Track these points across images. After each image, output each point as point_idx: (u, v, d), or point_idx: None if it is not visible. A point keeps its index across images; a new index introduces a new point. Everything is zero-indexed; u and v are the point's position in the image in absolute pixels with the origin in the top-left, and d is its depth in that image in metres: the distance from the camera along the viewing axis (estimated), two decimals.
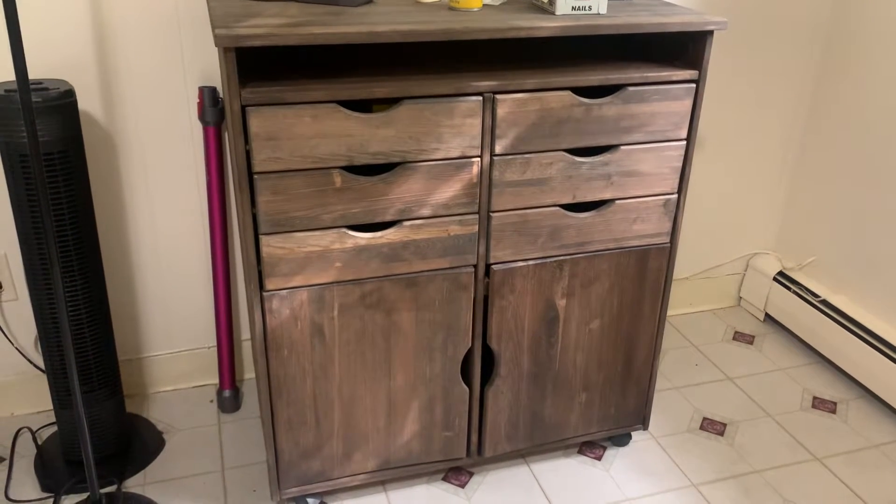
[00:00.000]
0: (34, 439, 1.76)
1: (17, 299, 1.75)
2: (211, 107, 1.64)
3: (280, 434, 1.46)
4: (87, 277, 1.52)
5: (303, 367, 1.41)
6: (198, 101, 1.66)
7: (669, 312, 2.34)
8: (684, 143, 1.46)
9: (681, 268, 2.28)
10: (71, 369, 1.33)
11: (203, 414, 1.87)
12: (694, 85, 1.42)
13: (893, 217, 1.93)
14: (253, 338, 1.38)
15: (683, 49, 1.44)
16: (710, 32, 1.38)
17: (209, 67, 1.65)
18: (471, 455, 1.63)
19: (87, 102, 1.61)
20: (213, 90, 1.64)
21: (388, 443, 1.55)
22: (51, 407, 1.86)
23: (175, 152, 1.71)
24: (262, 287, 1.33)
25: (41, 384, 1.84)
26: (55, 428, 1.79)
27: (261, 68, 1.32)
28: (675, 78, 1.40)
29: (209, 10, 1.33)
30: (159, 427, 1.82)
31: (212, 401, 1.91)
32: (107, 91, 1.61)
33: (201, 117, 1.66)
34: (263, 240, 1.28)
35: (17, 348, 1.79)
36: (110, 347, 1.63)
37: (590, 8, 1.35)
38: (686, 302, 2.34)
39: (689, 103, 1.43)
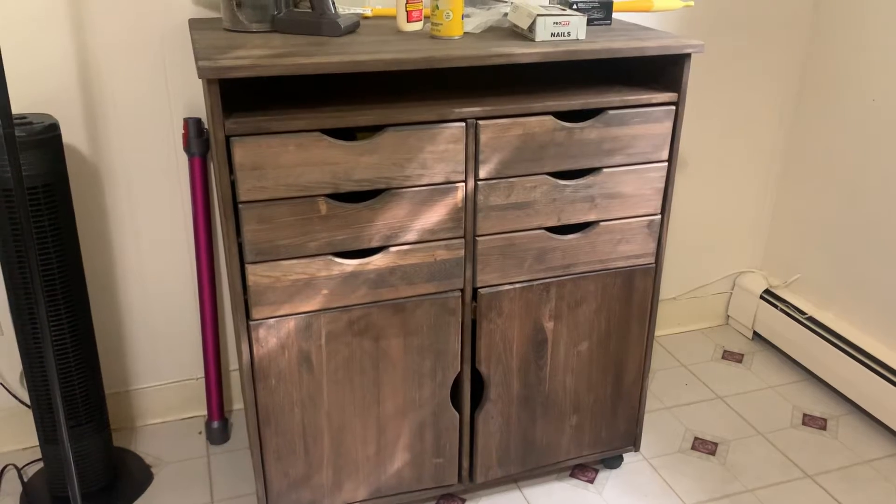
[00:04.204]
0: (20, 476, 1.73)
1: (3, 334, 1.73)
2: (196, 137, 1.64)
3: (269, 464, 1.45)
4: (72, 311, 1.51)
5: (291, 396, 1.40)
6: (183, 132, 1.67)
7: (658, 333, 2.34)
8: (666, 164, 1.48)
9: (668, 288, 2.29)
10: (56, 404, 1.32)
11: (192, 446, 1.85)
12: (673, 107, 1.44)
13: (877, 232, 1.95)
14: (240, 367, 1.37)
15: (662, 72, 1.46)
16: (688, 55, 1.40)
17: (194, 99, 1.66)
18: (462, 481, 1.62)
19: (72, 136, 1.62)
20: (198, 121, 1.65)
21: (378, 471, 1.54)
22: (37, 443, 1.84)
23: (161, 183, 1.71)
24: (248, 316, 1.32)
25: (27, 420, 1.81)
26: (41, 464, 1.77)
27: (245, 99, 1.33)
28: (654, 101, 1.42)
29: (193, 42, 1.34)
30: (147, 460, 1.80)
31: (200, 432, 1.90)
32: (92, 124, 1.62)
33: (186, 148, 1.66)
34: (249, 269, 1.29)
35: (1, 384, 1.77)
36: (97, 381, 1.61)
37: (569, 34, 1.37)
38: (674, 322, 2.35)
39: (669, 125, 1.45)
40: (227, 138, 1.21)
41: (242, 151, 1.21)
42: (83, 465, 1.62)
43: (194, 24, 1.49)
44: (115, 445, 1.80)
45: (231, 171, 1.23)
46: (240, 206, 1.24)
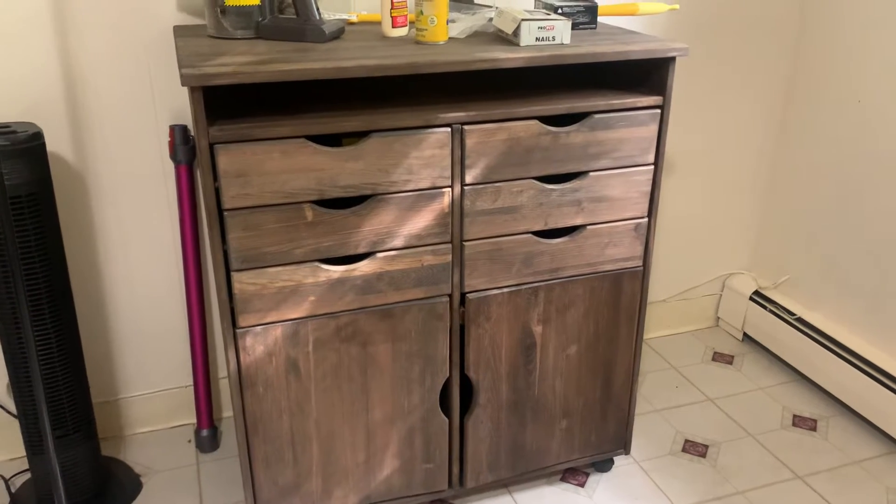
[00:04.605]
0: (7, 488, 1.72)
1: None
2: (182, 145, 1.64)
3: (258, 473, 1.44)
4: (58, 321, 1.50)
5: (279, 404, 1.40)
6: (169, 139, 1.66)
7: (649, 335, 2.34)
8: (652, 167, 1.48)
9: (658, 290, 2.30)
10: (42, 414, 1.31)
11: (181, 454, 1.84)
12: (659, 110, 1.44)
13: (864, 233, 1.96)
14: (228, 375, 1.37)
15: (647, 76, 1.46)
16: (673, 59, 1.41)
17: (180, 106, 1.66)
18: (453, 487, 1.62)
19: (57, 144, 1.61)
20: (184, 128, 1.64)
21: (368, 478, 1.53)
22: (24, 454, 1.82)
23: (147, 191, 1.70)
24: (235, 324, 1.32)
25: (14, 430, 1.80)
26: (29, 475, 1.76)
27: (232, 106, 1.33)
28: (639, 104, 1.42)
29: (177, 49, 1.34)
30: (136, 470, 1.79)
31: (190, 441, 1.89)
32: (77, 132, 1.61)
33: (173, 156, 1.66)
34: (235, 276, 1.28)
35: None
36: (84, 390, 1.60)
37: (553, 38, 1.37)
38: (665, 324, 2.35)
39: (654, 129, 1.45)
40: (212, 146, 1.20)
41: (227, 159, 1.21)
42: (71, 475, 1.61)
43: (179, 31, 1.49)
44: (103, 455, 1.79)
45: (215, 178, 1.23)
46: (225, 213, 1.24)
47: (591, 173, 1.44)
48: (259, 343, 1.34)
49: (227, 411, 1.97)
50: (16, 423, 1.79)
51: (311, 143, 1.25)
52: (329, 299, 1.36)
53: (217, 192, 1.23)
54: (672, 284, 2.31)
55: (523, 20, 1.35)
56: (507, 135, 1.36)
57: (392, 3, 1.42)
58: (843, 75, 1.97)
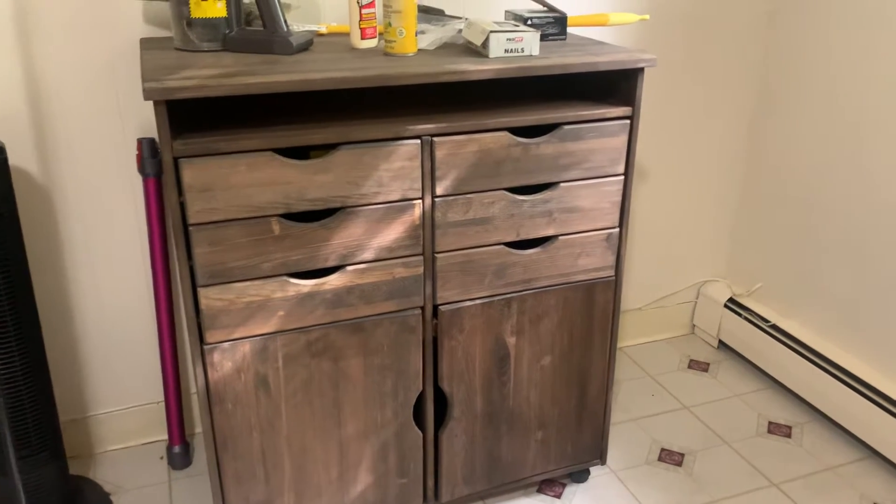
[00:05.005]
0: None
1: None
2: (150, 158, 1.62)
3: (228, 490, 1.42)
4: (22, 340, 1.47)
5: (248, 420, 1.38)
6: (137, 152, 1.64)
7: (624, 343, 2.35)
8: (622, 177, 1.48)
9: (633, 298, 2.30)
10: (5, 435, 1.28)
11: (153, 471, 1.81)
12: (628, 121, 1.44)
13: (836, 241, 1.98)
14: (197, 392, 1.34)
15: (616, 86, 1.47)
16: (641, 69, 1.41)
17: (148, 118, 1.64)
18: (428, 501, 1.60)
19: (21, 159, 1.58)
20: (152, 141, 1.62)
21: (342, 494, 1.51)
22: None
23: (115, 205, 1.68)
24: (202, 340, 1.30)
25: None
26: None
27: (199, 119, 1.31)
28: (608, 115, 1.42)
29: (141, 62, 1.32)
30: (106, 488, 1.75)
31: (162, 457, 1.86)
32: (41, 146, 1.59)
33: (140, 169, 1.63)
34: (202, 292, 1.26)
35: None
36: (50, 409, 1.57)
37: (522, 50, 1.37)
38: (640, 332, 2.35)
39: (624, 139, 1.45)
40: (176, 160, 1.18)
41: (191, 173, 1.19)
42: (36, 495, 1.57)
43: (145, 44, 1.47)
44: (71, 474, 1.76)
45: (180, 192, 1.21)
46: (190, 228, 1.22)
47: (562, 184, 1.44)
48: (227, 359, 1.32)
49: (199, 427, 1.94)
50: None
51: (278, 156, 1.23)
52: (298, 314, 1.34)
53: (182, 206, 1.22)
54: (647, 292, 2.31)
55: (492, 32, 1.34)
56: (478, 146, 1.35)
57: (361, 14, 1.41)
58: (813, 83, 1.98)
